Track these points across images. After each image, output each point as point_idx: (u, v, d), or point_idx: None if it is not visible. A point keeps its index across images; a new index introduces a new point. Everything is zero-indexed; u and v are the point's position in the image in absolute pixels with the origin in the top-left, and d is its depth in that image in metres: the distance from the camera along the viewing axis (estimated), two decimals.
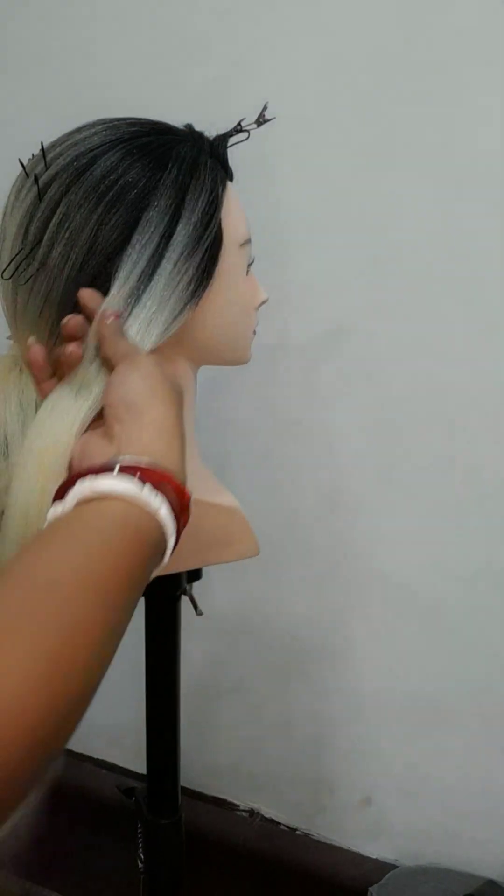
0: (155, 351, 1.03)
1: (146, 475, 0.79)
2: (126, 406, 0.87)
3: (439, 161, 1.53)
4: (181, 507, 0.82)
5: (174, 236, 0.99)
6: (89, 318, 0.97)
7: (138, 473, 0.78)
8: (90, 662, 0.70)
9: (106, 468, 0.79)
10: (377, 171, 1.58)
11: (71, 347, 0.95)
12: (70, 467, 0.89)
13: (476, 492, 1.66)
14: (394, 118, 1.55)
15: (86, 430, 0.92)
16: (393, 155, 1.56)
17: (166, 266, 0.99)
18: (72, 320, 0.96)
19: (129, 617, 0.76)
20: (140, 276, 0.98)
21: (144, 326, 0.98)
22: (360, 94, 1.56)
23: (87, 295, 0.97)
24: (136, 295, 0.98)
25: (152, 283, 0.98)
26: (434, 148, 1.53)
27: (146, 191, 0.99)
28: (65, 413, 0.92)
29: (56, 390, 0.95)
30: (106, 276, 0.98)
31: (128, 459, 0.80)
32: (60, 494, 0.81)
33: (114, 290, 0.97)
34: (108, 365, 0.94)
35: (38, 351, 0.97)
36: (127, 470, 0.79)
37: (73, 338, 0.96)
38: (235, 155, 1.11)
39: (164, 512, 0.78)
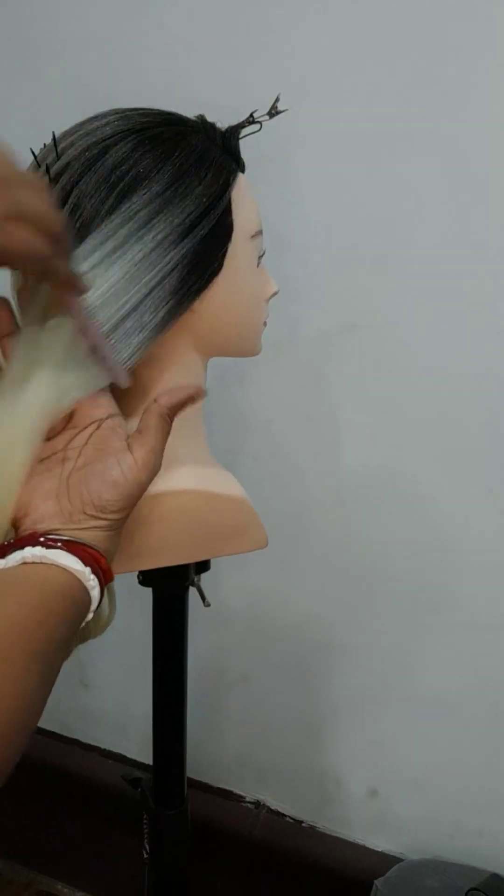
0: (164, 343, 1.03)
1: (88, 557, 0.84)
2: (98, 507, 0.88)
3: (452, 156, 1.53)
4: (105, 583, 0.87)
5: (155, 221, 0.98)
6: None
7: (83, 555, 0.84)
8: (17, 727, 0.74)
9: (57, 540, 0.84)
10: (389, 165, 1.57)
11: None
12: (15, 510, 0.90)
13: (486, 484, 1.66)
14: (406, 113, 1.54)
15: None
16: (405, 149, 1.56)
17: (138, 250, 0.98)
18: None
19: (53, 677, 0.79)
20: (107, 256, 0.97)
21: (120, 318, 0.97)
22: (374, 88, 1.55)
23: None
24: (106, 276, 0.96)
25: (123, 267, 0.97)
26: (447, 143, 1.53)
27: (158, 181, 0.99)
28: (13, 446, 0.91)
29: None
30: None
31: (79, 539, 0.86)
32: (3, 551, 0.85)
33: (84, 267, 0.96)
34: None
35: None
36: (72, 547, 0.84)
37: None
38: (250, 147, 1.11)
39: (95, 592, 0.85)
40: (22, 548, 0.83)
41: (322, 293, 1.69)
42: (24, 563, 0.82)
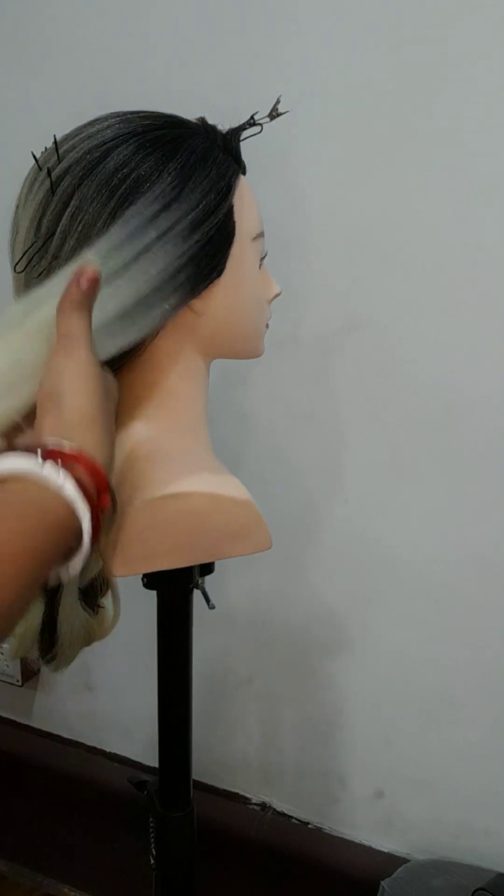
0: (165, 342, 1.03)
1: (48, 454, 0.80)
2: (50, 397, 0.87)
3: (453, 155, 1.53)
4: (97, 486, 0.82)
5: (156, 223, 0.98)
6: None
7: (39, 452, 0.79)
8: None
9: (11, 451, 0.80)
10: (390, 166, 1.58)
11: None
12: None
13: (490, 482, 1.66)
14: (407, 113, 1.54)
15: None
16: (406, 149, 1.56)
17: (139, 251, 0.98)
18: None
19: (30, 592, 0.76)
20: (108, 258, 0.97)
21: (119, 317, 0.98)
22: (374, 88, 1.55)
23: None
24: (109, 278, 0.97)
25: (126, 266, 0.97)
26: (448, 142, 1.53)
27: (159, 184, 0.99)
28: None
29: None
30: None
31: (33, 442, 0.82)
32: None
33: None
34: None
35: None
36: (30, 451, 0.80)
37: None
38: (251, 149, 1.11)
39: (68, 489, 0.78)
40: None
41: (324, 293, 1.69)
42: None
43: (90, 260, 0.93)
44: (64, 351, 0.89)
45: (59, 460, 0.79)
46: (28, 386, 0.91)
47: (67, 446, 0.81)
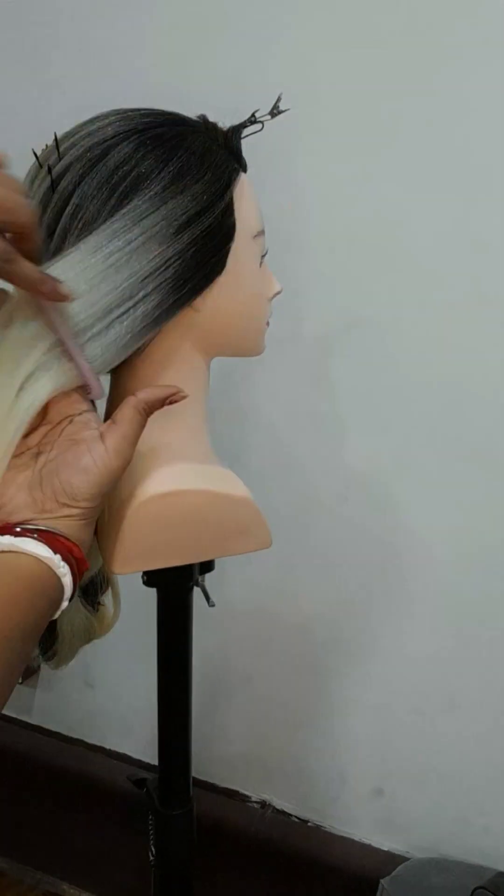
0: (166, 339, 1.03)
1: (58, 545, 0.86)
2: (69, 495, 0.89)
3: (453, 153, 1.53)
4: (79, 572, 0.89)
5: (153, 218, 0.98)
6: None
7: (52, 543, 0.85)
8: None
9: (26, 530, 0.86)
10: (391, 163, 1.58)
11: None
12: None
13: (491, 481, 1.66)
14: (408, 110, 1.54)
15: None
16: (407, 146, 1.56)
17: (136, 247, 0.98)
18: None
19: (20, 664, 0.81)
20: (108, 256, 0.97)
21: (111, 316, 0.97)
22: (375, 86, 1.55)
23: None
24: (97, 279, 0.97)
25: (126, 264, 0.97)
26: (448, 139, 1.53)
27: (159, 181, 0.99)
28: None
29: None
30: None
31: (46, 527, 0.87)
32: None
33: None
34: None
35: None
36: (44, 535, 0.85)
37: None
38: (252, 147, 1.11)
39: (67, 579, 0.86)
40: None
41: (324, 292, 1.69)
42: None
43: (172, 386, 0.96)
44: (103, 446, 0.91)
45: (65, 552, 0.86)
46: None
47: (67, 537, 0.88)
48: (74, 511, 0.89)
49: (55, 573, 0.84)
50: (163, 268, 0.99)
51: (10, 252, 0.84)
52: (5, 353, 0.93)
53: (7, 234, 0.85)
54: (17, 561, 0.83)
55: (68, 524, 0.89)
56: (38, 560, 0.83)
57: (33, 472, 0.91)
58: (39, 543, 0.84)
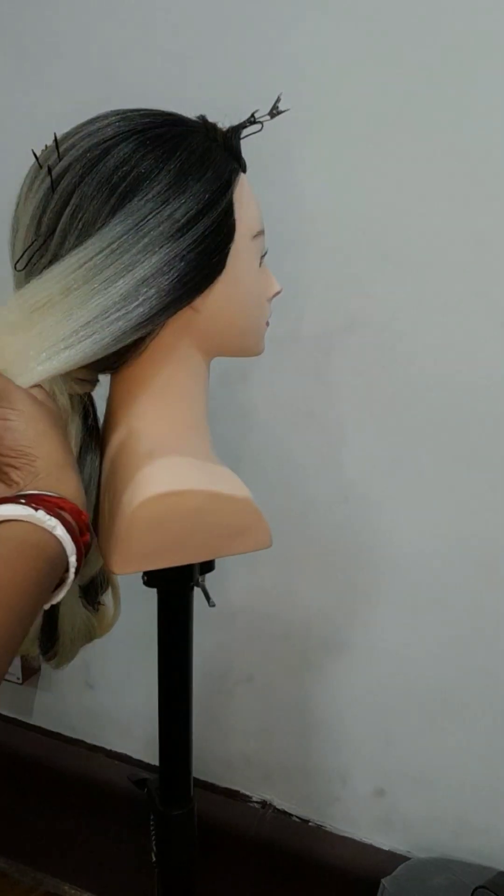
0: (165, 339, 1.04)
1: (40, 501, 0.89)
2: (17, 453, 0.92)
3: (453, 152, 1.53)
4: (80, 525, 0.92)
5: (154, 219, 0.98)
6: None
7: (32, 501, 0.88)
8: None
9: (7, 498, 0.89)
10: (390, 162, 1.58)
11: None
12: None
13: (489, 482, 1.66)
14: (407, 110, 1.54)
15: None
16: (407, 147, 1.56)
17: (136, 247, 0.98)
18: None
19: (29, 620, 0.85)
20: (108, 257, 0.97)
21: (115, 310, 0.98)
22: (374, 85, 1.55)
23: None
24: (96, 276, 0.98)
25: (125, 264, 0.98)
26: (448, 139, 1.53)
27: (158, 182, 0.99)
28: None
29: None
30: None
31: (25, 491, 0.91)
32: None
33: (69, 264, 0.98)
34: None
35: None
36: (23, 499, 0.88)
37: None
38: (252, 147, 1.11)
39: (59, 531, 0.87)
40: None
41: (324, 291, 1.69)
42: None
43: None
44: (8, 406, 0.93)
45: (49, 505, 0.89)
46: None
47: (51, 494, 0.91)
48: (39, 465, 0.93)
49: (45, 528, 0.86)
50: (164, 269, 0.99)
51: None
52: None
53: None
54: (2, 529, 0.85)
55: (48, 482, 0.92)
56: (22, 522, 0.86)
57: None
58: (20, 505, 0.86)
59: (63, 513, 0.89)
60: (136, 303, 0.98)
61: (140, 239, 0.97)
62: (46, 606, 0.92)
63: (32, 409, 0.94)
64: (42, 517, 0.86)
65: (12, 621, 0.80)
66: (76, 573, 0.91)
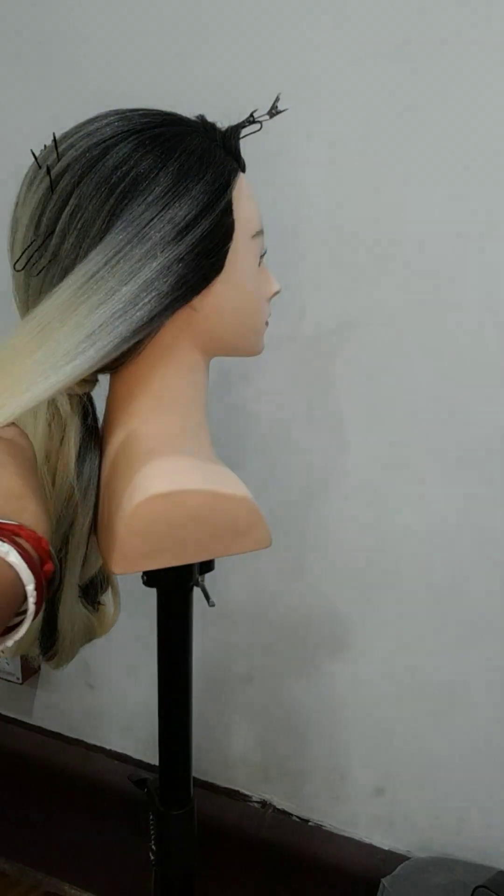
0: (165, 339, 1.04)
1: None
2: None
3: (453, 152, 1.53)
4: (40, 553, 0.89)
5: (155, 220, 0.99)
6: None
7: None
8: None
9: None
10: (389, 162, 1.58)
11: None
12: None
13: (492, 479, 1.66)
14: (406, 110, 1.54)
15: None
16: (406, 148, 1.56)
17: (138, 248, 0.98)
18: None
19: None
20: (110, 258, 0.98)
21: (117, 313, 0.98)
22: (373, 85, 1.55)
23: None
24: (104, 277, 0.98)
25: (125, 264, 0.98)
26: (448, 141, 1.53)
27: (158, 182, 0.99)
28: None
29: None
30: None
31: None
32: None
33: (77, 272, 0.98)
34: None
35: None
36: None
37: None
38: (251, 147, 1.11)
39: (13, 557, 0.84)
40: None
41: (323, 291, 1.69)
42: None
43: None
44: None
45: (2, 531, 0.86)
46: None
47: (5, 521, 0.88)
48: None
49: None
50: (164, 272, 0.99)
51: None
52: None
53: None
54: None
55: (2, 511, 0.90)
56: None
57: None
58: None
59: (18, 539, 0.87)
60: (136, 307, 0.98)
61: (142, 246, 0.97)
62: (1, 647, 0.90)
63: None
64: None
65: None
66: (37, 608, 0.88)
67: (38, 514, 0.92)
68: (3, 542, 0.84)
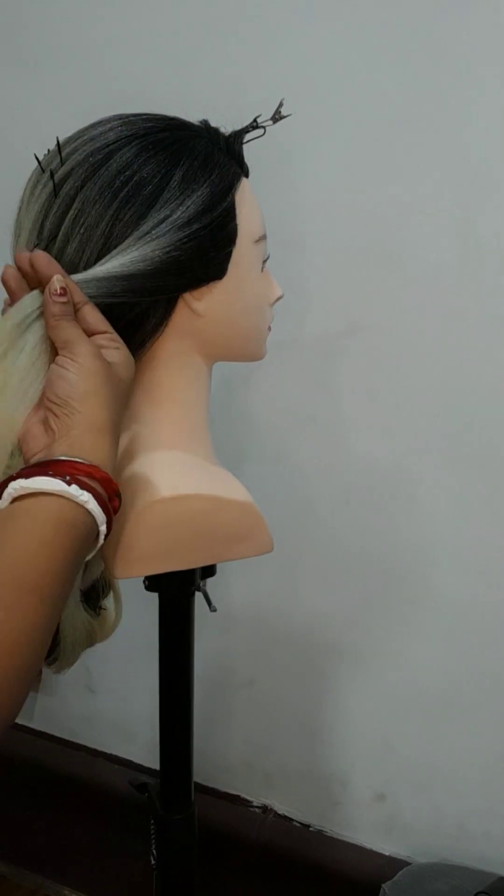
0: (167, 344, 1.04)
1: (73, 471, 0.87)
2: (61, 402, 0.92)
3: (454, 155, 1.53)
4: (109, 494, 0.90)
5: (158, 225, 0.99)
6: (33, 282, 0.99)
7: (66, 471, 0.87)
8: (24, 648, 0.79)
9: (37, 467, 0.88)
10: (392, 166, 1.58)
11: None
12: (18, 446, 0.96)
13: (492, 485, 1.66)
14: (408, 113, 1.54)
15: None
16: (407, 149, 1.56)
17: (139, 252, 0.98)
18: (7, 271, 0.99)
19: (62, 603, 0.85)
20: (111, 259, 0.98)
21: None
22: (375, 89, 1.55)
23: (41, 260, 0.97)
24: (111, 276, 0.99)
25: (128, 268, 0.99)
26: (448, 141, 1.53)
27: (160, 186, 0.99)
28: (14, 394, 0.95)
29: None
30: None
31: (57, 456, 0.89)
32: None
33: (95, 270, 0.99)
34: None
35: (10, 273, 1.00)
36: (55, 467, 0.87)
37: (7, 288, 1.00)
38: (254, 152, 1.11)
39: (91, 504, 0.87)
40: (6, 486, 0.86)
41: (326, 296, 1.69)
42: (14, 500, 0.86)
43: (56, 278, 0.95)
44: (69, 357, 0.93)
45: (80, 476, 0.87)
46: (29, 394, 0.95)
47: (83, 462, 0.89)
48: (76, 419, 0.92)
49: (77, 503, 0.86)
50: (172, 276, 1.00)
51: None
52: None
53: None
54: (35, 505, 0.85)
55: (80, 441, 0.91)
56: (55, 497, 0.85)
57: (43, 405, 0.95)
58: (52, 478, 0.86)
59: (94, 483, 0.88)
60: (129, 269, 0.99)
61: (142, 244, 0.98)
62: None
63: (92, 365, 0.93)
64: (75, 492, 0.85)
65: (51, 614, 0.81)
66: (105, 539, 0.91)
67: (112, 451, 0.94)
68: (83, 490, 0.86)
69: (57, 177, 0.99)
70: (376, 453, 1.75)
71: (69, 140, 1.03)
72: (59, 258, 0.99)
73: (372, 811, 1.98)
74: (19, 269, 0.98)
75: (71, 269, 0.98)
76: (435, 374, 1.65)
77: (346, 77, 1.57)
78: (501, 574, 1.70)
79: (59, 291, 0.94)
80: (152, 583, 1.23)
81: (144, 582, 1.22)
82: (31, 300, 0.96)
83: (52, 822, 2.31)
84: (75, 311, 0.96)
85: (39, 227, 1.00)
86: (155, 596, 1.26)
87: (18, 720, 1.54)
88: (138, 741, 2.25)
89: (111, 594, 1.29)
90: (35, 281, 0.97)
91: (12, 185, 1.07)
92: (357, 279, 1.66)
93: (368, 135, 1.58)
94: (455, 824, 1.90)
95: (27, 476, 0.86)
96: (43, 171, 1.01)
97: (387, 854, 1.97)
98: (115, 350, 0.98)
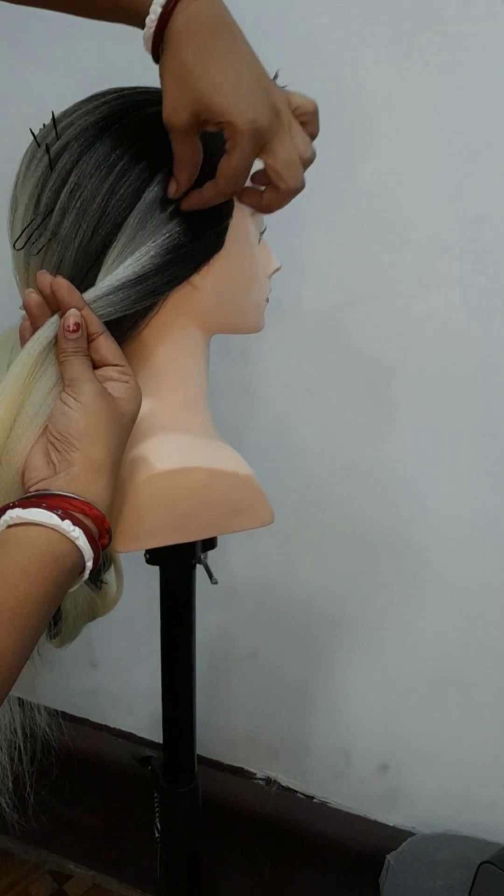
0: (165, 317, 1.04)
1: (68, 506, 0.89)
2: (62, 438, 0.94)
3: (452, 130, 1.52)
4: (100, 531, 0.92)
5: (154, 198, 0.99)
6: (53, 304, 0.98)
7: (61, 505, 0.88)
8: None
9: (34, 499, 0.89)
10: (391, 138, 1.57)
11: (24, 323, 1.00)
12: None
13: (492, 459, 1.66)
14: (405, 86, 1.54)
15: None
16: (405, 123, 1.55)
17: (137, 226, 0.98)
18: (30, 297, 0.98)
19: (38, 635, 0.87)
20: (128, 244, 0.98)
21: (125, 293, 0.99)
22: (377, 62, 1.55)
23: (62, 289, 0.96)
24: (120, 264, 0.99)
25: (125, 242, 0.99)
26: (447, 116, 1.52)
27: (157, 159, 0.99)
28: (30, 423, 0.96)
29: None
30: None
31: (54, 491, 0.91)
32: None
33: (105, 267, 0.99)
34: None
35: (33, 299, 0.99)
36: (51, 501, 0.89)
37: (29, 313, 1.00)
38: None
39: (82, 540, 0.88)
40: (3, 513, 0.88)
41: (324, 268, 1.68)
42: (9, 527, 0.87)
43: (72, 312, 0.96)
44: (72, 396, 0.94)
45: (73, 512, 0.89)
46: (38, 422, 0.96)
47: (78, 498, 0.90)
48: (75, 457, 0.93)
49: (68, 538, 0.87)
50: (169, 249, 1.00)
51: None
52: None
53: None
54: (26, 533, 0.86)
55: (78, 478, 0.92)
56: (46, 529, 0.86)
57: (46, 436, 0.96)
58: (46, 511, 0.87)
59: (87, 519, 0.90)
60: (134, 284, 0.99)
61: (138, 218, 0.98)
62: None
63: (94, 404, 0.94)
64: (67, 527, 0.87)
65: (25, 642, 0.83)
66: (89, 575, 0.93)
67: (108, 489, 0.95)
68: (74, 525, 0.87)
69: (53, 151, 0.99)
70: (376, 426, 1.74)
71: (65, 114, 1.03)
72: (55, 232, 0.99)
73: (375, 782, 1.98)
74: (40, 291, 0.98)
75: (67, 242, 0.98)
76: (435, 346, 1.64)
77: (341, 51, 1.56)
78: (502, 548, 1.70)
79: (72, 328, 0.95)
80: (153, 556, 1.23)
81: (145, 555, 1.22)
82: (51, 330, 0.96)
83: (55, 797, 2.32)
84: (90, 341, 0.97)
85: (36, 202, 1.00)
86: (156, 569, 1.26)
87: (20, 694, 1.55)
88: (141, 715, 2.26)
89: (112, 568, 1.29)
90: (55, 304, 0.97)
91: (9, 160, 1.07)
92: (356, 251, 1.65)
93: (365, 105, 1.57)
94: (459, 795, 1.90)
95: (24, 506, 0.87)
96: (39, 145, 1.01)
97: (391, 825, 1.97)
98: (124, 384, 0.98)
